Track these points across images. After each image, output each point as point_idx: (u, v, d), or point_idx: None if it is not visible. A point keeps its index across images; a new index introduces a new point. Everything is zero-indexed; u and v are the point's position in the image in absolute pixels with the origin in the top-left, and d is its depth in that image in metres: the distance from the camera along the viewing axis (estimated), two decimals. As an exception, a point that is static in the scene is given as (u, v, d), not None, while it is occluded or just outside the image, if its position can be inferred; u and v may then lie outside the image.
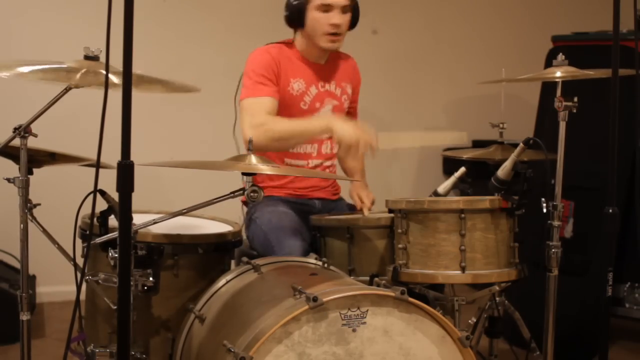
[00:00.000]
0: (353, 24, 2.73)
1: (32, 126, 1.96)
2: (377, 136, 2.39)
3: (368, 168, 2.99)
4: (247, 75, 2.64)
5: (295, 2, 2.64)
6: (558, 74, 2.28)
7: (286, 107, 2.66)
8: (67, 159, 2.23)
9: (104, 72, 1.61)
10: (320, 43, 2.66)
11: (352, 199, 2.81)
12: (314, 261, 2.26)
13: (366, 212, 2.69)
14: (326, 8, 2.61)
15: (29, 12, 3.82)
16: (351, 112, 2.92)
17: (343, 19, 2.64)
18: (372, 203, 2.76)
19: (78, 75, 1.92)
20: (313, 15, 2.63)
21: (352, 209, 2.81)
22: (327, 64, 2.78)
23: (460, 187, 3.89)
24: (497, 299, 2.59)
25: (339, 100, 2.80)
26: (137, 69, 1.53)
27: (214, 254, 2.33)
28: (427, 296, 2.34)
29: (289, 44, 2.74)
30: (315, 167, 2.77)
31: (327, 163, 2.82)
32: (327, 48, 2.68)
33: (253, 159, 1.97)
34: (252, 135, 2.20)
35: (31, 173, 2.03)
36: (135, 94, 1.51)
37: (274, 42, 2.74)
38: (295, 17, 2.65)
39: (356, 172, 2.95)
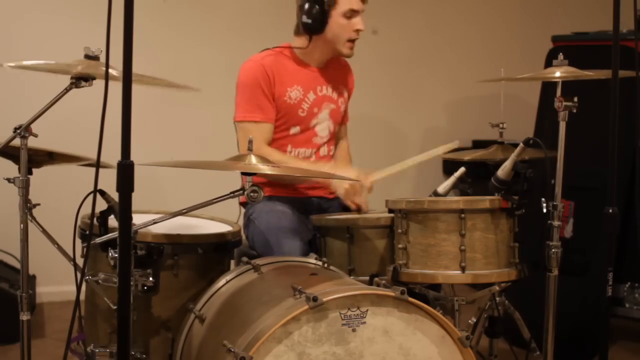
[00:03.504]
0: None
1: (32, 126, 1.96)
2: (367, 192, 2.61)
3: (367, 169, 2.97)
4: (242, 90, 2.63)
5: (317, 8, 2.60)
6: (558, 74, 2.27)
7: (284, 115, 2.67)
8: (66, 159, 2.23)
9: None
10: (343, 50, 2.68)
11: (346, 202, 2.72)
12: (314, 261, 2.26)
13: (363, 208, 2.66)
14: (352, 14, 2.62)
15: (29, 14, 3.81)
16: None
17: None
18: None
19: (79, 67, 1.92)
20: (338, 22, 2.62)
21: (345, 208, 2.80)
22: (325, 68, 2.78)
23: (460, 187, 3.88)
24: (497, 299, 2.58)
25: (336, 104, 2.80)
26: (137, 69, 1.53)
27: (214, 254, 2.33)
28: (427, 296, 2.34)
29: (287, 48, 2.73)
30: None
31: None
32: (347, 55, 2.72)
33: (253, 159, 1.97)
34: None
35: (31, 173, 2.02)
36: (136, 93, 1.51)
37: (271, 47, 2.72)
38: (318, 24, 2.62)
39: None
